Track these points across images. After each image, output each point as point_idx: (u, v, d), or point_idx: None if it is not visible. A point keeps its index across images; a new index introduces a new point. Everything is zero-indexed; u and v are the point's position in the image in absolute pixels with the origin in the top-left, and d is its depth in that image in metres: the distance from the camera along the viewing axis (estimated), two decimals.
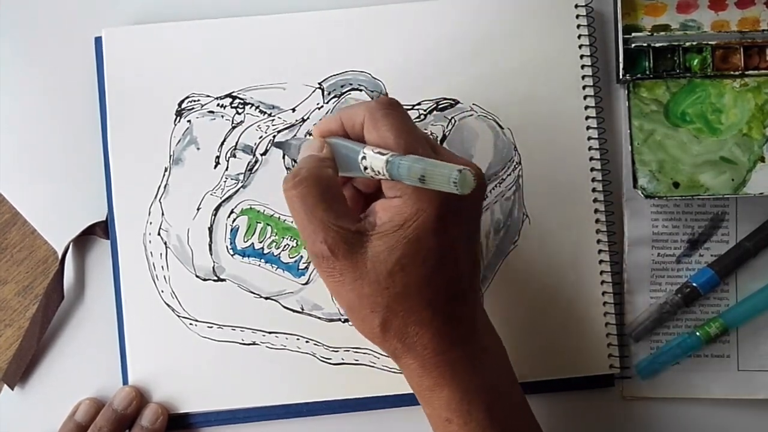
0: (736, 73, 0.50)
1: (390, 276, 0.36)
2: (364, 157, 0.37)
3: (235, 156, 0.50)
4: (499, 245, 0.50)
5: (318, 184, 0.37)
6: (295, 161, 0.46)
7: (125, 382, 0.49)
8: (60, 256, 0.50)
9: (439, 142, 0.50)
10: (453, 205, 0.37)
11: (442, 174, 0.33)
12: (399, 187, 0.37)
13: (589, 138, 0.50)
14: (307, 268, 0.50)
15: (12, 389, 0.50)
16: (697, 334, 0.49)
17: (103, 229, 0.50)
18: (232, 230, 0.50)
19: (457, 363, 0.38)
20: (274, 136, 0.50)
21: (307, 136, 0.50)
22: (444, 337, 0.38)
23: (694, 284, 0.49)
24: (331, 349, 0.49)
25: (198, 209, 0.50)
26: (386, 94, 0.50)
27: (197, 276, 0.49)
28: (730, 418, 0.50)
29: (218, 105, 0.50)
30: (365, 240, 0.37)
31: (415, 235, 0.36)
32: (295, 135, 0.50)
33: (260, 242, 0.50)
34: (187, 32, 0.51)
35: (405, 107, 0.50)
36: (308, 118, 0.50)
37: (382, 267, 0.36)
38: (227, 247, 0.50)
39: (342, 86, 0.51)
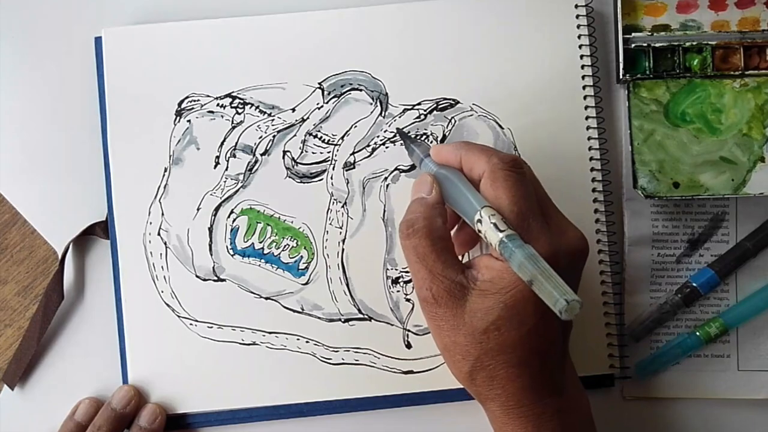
0: (736, 73, 0.50)
1: (484, 333, 0.38)
2: (479, 220, 0.38)
3: (235, 156, 0.50)
4: None
5: (429, 236, 0.40)
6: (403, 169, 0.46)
7: (125, 382, 0.49)
8: (60, 256, 0.50)
9: (439, 142, 0.50)
10: None
11: (550, 294, 0.34)
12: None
13: (589, 138, 0.50)
14: (306, 268, 0.50)
15: (12, 389, 0.50)
16: (697, 334, 0.49)
17: (103, 229, 0.50)
18: (232, 230, 0.50)
19: (541, 416, 0.39)
20: (274, 136, 0.50)
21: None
22: (529, 391, 0.39)
23: (694, 284, 0.49)
24: (331, 349, 0.49)
25: (198, 209, 0.50)
26: (386, 94, 0.50)
27: (197, 276, 0.49)
28: (730, 418, 0.50)
29: (218, 105, 0.50)
30: (466, 293, 0.39)
31: (512, 302, 0.38)
32: (295, 134, 0.50)
33: (260, 242, 0.50)
34: (187, 32, 0.51)
35: (405, 107, 0.50)
36: (308, 117, 0.50)
37: (478, 323, 0.38)
38: (227, 247, 0.50)
39: (342, 86, 0.51)
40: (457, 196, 0.41)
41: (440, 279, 0.39)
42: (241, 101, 0.50)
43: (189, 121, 0.50)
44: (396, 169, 0.50)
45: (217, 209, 0.50)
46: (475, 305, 0.38)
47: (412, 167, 0.50)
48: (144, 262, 0.49)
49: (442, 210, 0.41)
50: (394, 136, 0.50)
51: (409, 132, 0.50)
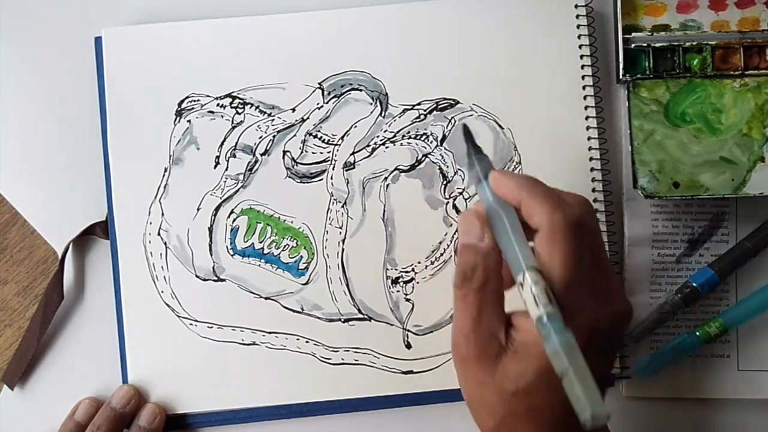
0: (736, 73, 0.50)
1: (514, 396, 0.37)
2: (521, 284, 0.36)
3: (235, 156, 0.50)
4: None
5: (483, 288, 0.38)
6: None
7: (125, 381, 0.49)
8: (60, 256, 0.50)
9: (439, 142, 0.50)
10: (588, 347, 0.35)
11: (578, 399, 0.32)
12: None
13: (589, 138, 0.50)
14: (306, 268, 0.50)
15: (12, 389, 0.50)
16: (697, 334, 0.49)
17: (103, 229, 0.50)
18: (232, 230, 0.50)
19: None
20: (275, 136, 0.50)
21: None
22: None
23: (694, 284, 0.49)
24: (331, 349, 0.49)
25: (198, 209, 0.50)
26: (386, 94, 0.50)
27: (197, 276, 0.49)
28: (730, 418, 0.50)
29: (218, 105, 0.50)
30: (501, 352, 0.37)
31: (545, 369, 0.36)
32: (295, 134, 0.50)
33: (260, 242, 0.50)
34: (187, 32, 0.51)
35: (405, 107, 0.50)
36: (308, 117, 0.50)
37: (508, 386, 0.37)
38: (227, 247, 0.50)
39: (342, 86, 0.51)
40: (504, 242, 0.38)
41: (479, 332, 0.37)
42: (241, 101, 0.50)
43: (189, 121, 0.50)
44: (396, 169, 0.50)
45: (217, 209, 0.50)
46: (508, 367, 0.37)
47: (412, 167, 0.50)
48: (144, 262, 0.49)
49: (497, 257, 0.38)
50: (394, 136, 0.50)
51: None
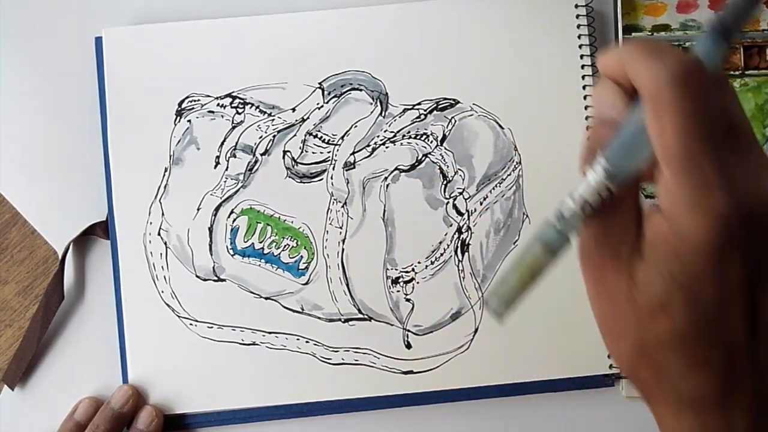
0: (736, 73, 0.50)
1: (650, 314, 0.29)
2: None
3: (235, 156, 0.50)
4: (499, 245, 0.50)
5: None
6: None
7: (125, 382, 0.49)
8: (60, 256, 0.50)
9: (439, 142, 0.50)
10: (723, 242, 0.26)
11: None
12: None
13: None
14: (306, 268, 0.50)
15: (12, 389, 0.50)
16: None
17: (103, 229, 0.50)
18: (232, 230, 0.50)
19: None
20: (275, 135, 0.50)
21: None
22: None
23: None
24: (331, 349, 0.49)
25: (198, 209, 0.50)
26: (386, 94, 0.50)
27: (197, 276, 0.49)
28: None
29: (218, 105, 0.50)
30: (633, 256, 0.29)
31: (682, 275, 0.27)
32: (295, 134, 0.50)
33: (260, 242, 0.50)
34: (187, 32, 0.51)
35: (405, 107, 0.50)
36: (308, 117, 0.50)
37: (640, 298, 0.29)
38: (227, 247, 0.50)
39: (342, 86, 0.51)
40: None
41: (609, 228, 0.29)
42: (242, 101, 0.50)
43: (189, 121, 0.50)
44: (396, 169, 0.50)
45: (217, 209, 0.50)
46: (639, 274, 0.28)
47: (412, 167, 0.50)
48: (144, 262, 0.49)
49: None
50: (394, 136, 0.50)
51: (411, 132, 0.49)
